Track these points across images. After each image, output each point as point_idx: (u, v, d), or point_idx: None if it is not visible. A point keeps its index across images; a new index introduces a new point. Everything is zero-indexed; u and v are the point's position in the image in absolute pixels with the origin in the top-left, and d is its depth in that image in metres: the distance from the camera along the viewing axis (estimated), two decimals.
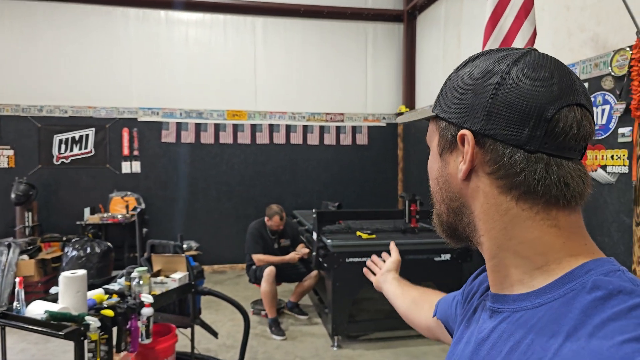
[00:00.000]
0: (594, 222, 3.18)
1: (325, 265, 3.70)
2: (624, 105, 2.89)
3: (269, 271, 4.12)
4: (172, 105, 6.22)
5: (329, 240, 3.73)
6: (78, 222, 5.64)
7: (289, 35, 6.48)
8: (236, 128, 6.35)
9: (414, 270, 3.82)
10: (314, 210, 4.04)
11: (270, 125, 6.44)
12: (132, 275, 2.76)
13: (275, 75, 6.46)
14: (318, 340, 3.89)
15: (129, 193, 6.06)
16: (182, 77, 6.24)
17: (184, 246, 5.85)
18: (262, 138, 6.42)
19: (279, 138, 6.46)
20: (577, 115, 0.52)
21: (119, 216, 5.70)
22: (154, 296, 2.63)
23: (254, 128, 6.39)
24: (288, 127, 6.49)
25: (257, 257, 4.27)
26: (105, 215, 5.74)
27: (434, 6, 5.88)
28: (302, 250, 4.36)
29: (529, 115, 0.51)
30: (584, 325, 0.45)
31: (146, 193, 6.15)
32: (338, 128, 6.62)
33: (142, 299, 2.54)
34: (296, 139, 6.51)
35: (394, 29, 6.71)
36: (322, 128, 6.58)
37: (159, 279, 2.97)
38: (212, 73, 6.29)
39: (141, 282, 2.62)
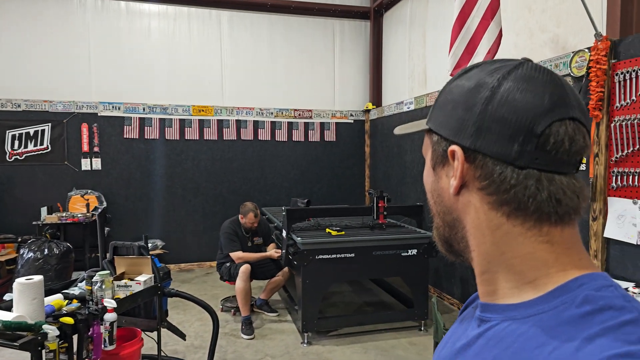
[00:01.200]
0: None
1: (295, 262, 3.68)
2: None
3: (245, 269, 4.08)
4: (134, 100, 6.01)
5: (298, 238, 3.72)
6: (34, 222, 5.38)
7: (255, 30, 6.38)
8: (202, 124, 6.21)
9: (382, 266, 3.88)
10: (283, 208, 4.01)
11: (238, 121, 6.33)
12: (94, 279, 2.65)
13: (242, 70, 6.35)
14: (288, 337, 3.88)
15: (89, 191, 5.83)
16: (145, 71, 6.03)
17: (149, 246, 5.70)
18: (229, 134, 6.31)
19: (247, 134, 6.36)
20: (569, 130, 0.50)
21: (79, 215, 5.47)
22: (118, 300, 2.54)
23: (220, 124, 6.27)
24: (256, 123, 6.40)
25: (236, 255, 4.21)
26: (64, 214, 5.49)
27: (400, 5, 5.93)
28: (275, 251, 4.33)
29: (518, 130, 0.50)
30: (572, 338, 0.45)
31: (108, 191, 5.94)
32: (306, 124, 6.59)
33: (105, 304, 2.44)
34: (264, 135, 6.44)
35: (361, 26, 6.72)
36: (290, 124, 6.53)
37: (123, 282, 2.87)
38: (177, 67, 6.12)
39: (103, 286, 2.52)
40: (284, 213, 3.90)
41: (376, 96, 6.61)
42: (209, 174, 6.26)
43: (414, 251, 3.92)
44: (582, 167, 3.06)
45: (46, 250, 4.65)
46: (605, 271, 2.98)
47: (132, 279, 2.91)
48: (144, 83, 6.03)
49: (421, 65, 5.39)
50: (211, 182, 6.27)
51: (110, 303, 2.44)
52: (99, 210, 4.91)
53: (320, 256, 3.68)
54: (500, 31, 2.36)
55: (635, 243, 2.72)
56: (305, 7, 6.39)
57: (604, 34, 2.86)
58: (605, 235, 2.92)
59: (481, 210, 0.54)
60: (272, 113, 6.46)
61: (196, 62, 6.18)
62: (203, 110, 6.20)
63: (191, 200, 6.22)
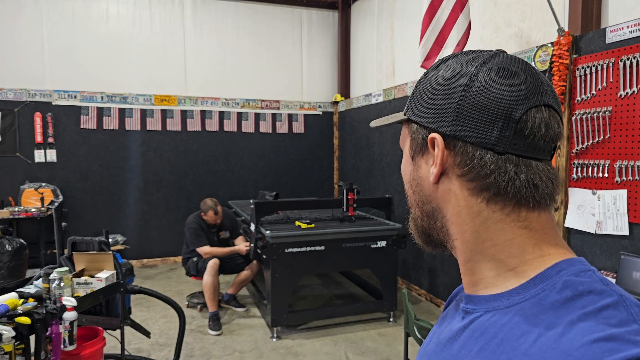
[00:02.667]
0: None
1: (264, 256, 3.63)
2: None
3: (213, 263, 3.99)
4: (92, 89, 5.73)
5: (267, 231, 3.66)
6: None
7: (220, 17, 6.20)
8: (165, 114, 6.00)
9: (351, 258, 3.88)
10: (252, 201, 3.93)
11: (202, 112, 6.16)
12: (52, 276, 2.51)
13: (207, 59, 6.17)
14: (257, 332, 3.83)
15: (43, 184, 5.53)
16: (103, 58, 5.75)
17: (109, 241, 5.48)
18: (194, 125, 6.13)
19: (212, 125, 6.20)
20: (545, 116, 0.52)
21: (33, 210, 5.18)
22: (78, 298, 2.42)
23: (184, 114, 6.08)
24: (221, 114, 6.25)
25: (204, 250, 4.10)
26: (16, 209, 5.19)
27: None
28: (245, 245, 4.25)
29: (497, 116, 0.51)
30: (555, 325, 0.46)
31: (64, 184, 5.65)
32: (274, 116, 6.49)
33: (64, 302, 2.32)
34: (230, 126, 6.29)
35: (329, 17, 6.67)
36: (257, 115, 6.41)
37: (83, 279, 2.74)
38: (138, 55, 5.87)
39: (62, 283, 2.39)
40: (252, 206, 3.83)
41: (344, 88, 6.59)
42: (172, 166, 6.06)
43: (383, 243, 3.95)
44: None
45: None
46: None
47: (92, 276, 2.78)
48: (102, 71, 5.76)
49: (389, 57, 5.41)
50: (175, 174, 6.08)
51: (69, 301, 2.33)
52: (56, 204, 4.67)
53: (290, 249, 3.64)
54: (469, 24, 2.38)
55: (594, 232, 2.84)
56: None
57: (567, 29, 2.94)
58: (566, 225, 3.03)
59: (461, 197, 0.55)
60: (238, 104, 6.32)
61: (158, 50, 5.95)
62: (166, 100, 5.99)
63: (154, 194, 6.01)
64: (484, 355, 0.50)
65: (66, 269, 2.62)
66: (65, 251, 3.06)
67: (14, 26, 5.42)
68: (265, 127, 6.45)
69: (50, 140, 5.63)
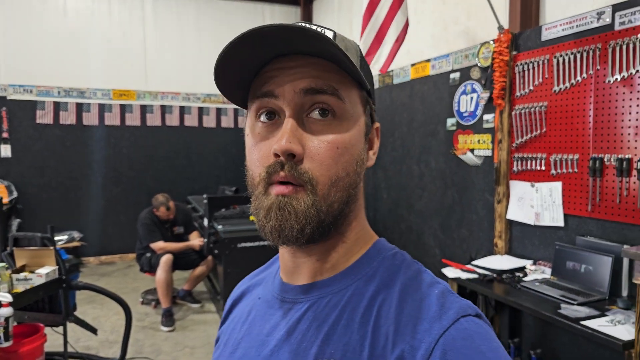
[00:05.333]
0: (464, 201, 3.49)
1: (217, 251, 3.62)
2: (487, 94, 3.17)
3: (166, 259, 3.95)
4: (48, 83, 5.58)
5: (219, 226, 3.65)
6: None
7: (182, 12, 6.12)
8: (124, 109, 5.90)
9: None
10: (204, 196, 3.92)
11: (163, 107, 6.08)
12: None
13: (167, 54, 6.09)
14: (210, 328, 3.82)
15: None
16: (61, 52, 5.61)
17: (64, 238, 5.37)
18: (154, 120, 6.05)
19: (172, 120, 6.13)
20: None
21: None
22: (15, 294, 2.39)
23: (144, 109, 5.99)
24: (182, 109, 6.18)
25: (158, 246, 4.06)
26: None
27: None
28: (199, 240, 4.22)
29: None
30: (388, 286, 0.52)
31: (19, 180, 5.50)
32: (236, 110, 6.46)
33: (0, 298, 2.28)
34: (191, 121, 6.23)
35: (290, 12, 6.66)
36: (219, 110, 6.37)
37: (22, 275, 2.68)
38: (96, 49, 5.75)
39: None
40: (205, 201, 3.82)
41: None
42: (131, 161, 5.97)
43: None
44: (489, 152, 3.25)
45: None
46: (508, 250, 3.17)
47: (33, 272, 2.73)
48: (59, 65, 5.61)
49: None
50: (134, 170, 5.99)
51: (5, 297, 2.29)
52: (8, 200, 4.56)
53: (242, 244, 3.64)
54: (407, 20, 2.43)
55: (533, 224, 2.94)
56: None
57: (506, 27, 3.02)
58: (507, 217, 3.12)
59: (361, 185, 0.57)
60: (199, 98, 6.27)
61: (117, 44, 5.84)
62: (125, 95, 5.89)
63: (112, 190, 5.91)
64: (332, 341, 0.49)
65: (3, 264, 2.57)
66: (8, 248, 2.99)
67: None
68: (227, 121, 6.41)
69: (5, 135, 5.47)
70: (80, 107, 5.70)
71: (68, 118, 5.66)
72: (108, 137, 5.84)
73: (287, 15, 6.65)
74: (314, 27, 0.50)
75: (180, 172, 6.20)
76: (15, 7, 5.41)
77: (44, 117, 5.58)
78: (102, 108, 5.79)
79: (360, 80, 0.53)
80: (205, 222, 3.86)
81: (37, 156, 5.59)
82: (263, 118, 0.52)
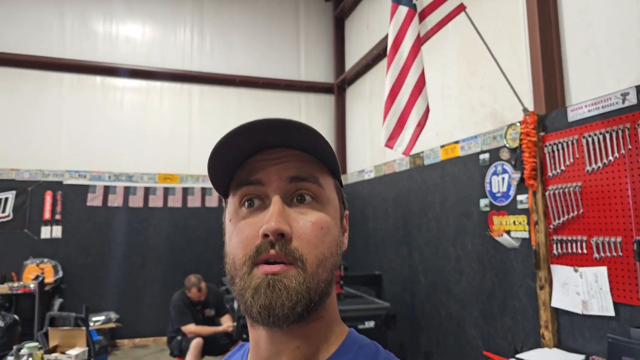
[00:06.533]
0: (505, 286, 3.30)
1: (244, 335, 3.53)
2: (519, 175, 3.12)
3: (196, 343, 3.89)
4: (101, 169, 6.04)
5: None
6: None
7: (225, 102, 6.63)
8: (167, 191, 6.22)
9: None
10: None
11: (203, 189, 6.37)
12: (21, 352, 2.51)
13: (210, 139, 6.50)
14: None
15: (45, 260, 5.65)
16: (115, 140, 6.14)
17: (101, 318, 5.44)
18: (194, 202, 6.31)
19: (211, 201, 6.37)
20: None
21: (32, 285, 5.24)
22: None
23: (185, 191, 6.29)
24: None
25: (189, 329, 4.03)
26: (15, 284, 5.26)
27: (360, 81, 6.31)
28: (228, 325, 4.16)
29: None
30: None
31: (66, 260, 5.76)
32: None
33: None
34: None
35: (325, 99, 7.06)
36: None
37: (54, 355, 2.72)
38: (146, 137, 6.25)
39: (31, 359, 2.39)
40: None
41: (341, 164, 6.77)
42: (170, 242, 6.16)
43: (372, 323, 3.80)
44: (525, 234, 3.11)
45: None
46: (557, 343, 2.91)
47: (64, 353, 2.76)
48: (112, 152, 6.11)
49: (380, 135, 5.60)
50: (173, 250, 6.15)
51: None
52: (40, 279, 4.76)
53: None
54: (427, 106, 2.52)
55: (581, 312, 2.70)
56: (272, 82, 6.73)
57: (532, 109, 3.05)
58: (553, 304, 2.89)
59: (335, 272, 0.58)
60: None
61: (165, 132, 6.33)
62: (169, 178, 6.24)
63: (151, 270, 6.05)
64: None
65: (36, 344, 2.62)
66: (44, 327, 3.07)
67: (40, 114, 5.90)
68: None
69: (58, 217, 5.84)
70: (127, 190, 6.07)
71: (116, 200, 6.02)
72: (150, 219, 6.12)
73: (322, 103, 7.04)
74: (300, 122, 0.55)
75: (216, 252, 6.29)
76: (80, 100, 6.06)
77: (94, 200, 5.96)
78: (147, 191, 6.14)
79: (335, 171, 0.58)
80: (236, 305, 3.81)
81: (84, 237, 5.88)
82: (247, 204, 0.55)
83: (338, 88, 6.86)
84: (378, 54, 5.61)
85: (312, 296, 0.51)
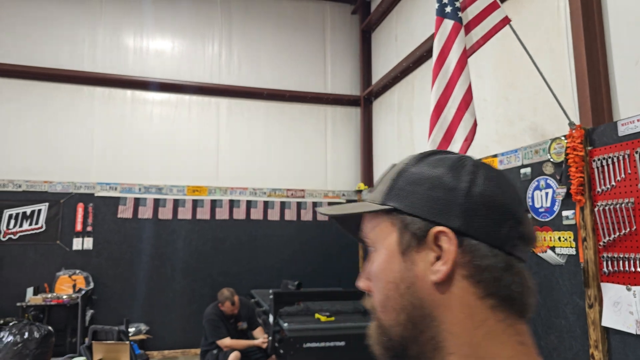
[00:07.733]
0: (549, 303, 3.21)
1: (281, 351, 3.51)
2: (564, 190, 3.06)
3: (234, 357, 3.92)
4: (131, 181, 6.12)
5: (285, 324, 3.57)
6: (18, 304, 5.20)
7: (252, 115, 6.68)
8: (196, 203, 6.27)
9: (375, 357, 3.68)
10: (271, 291, 3.90)
11: (231, 201, 6.39)
12: None
13: (237, 152, 6.55)
14: None
15: (77, 271, 5.72)
16: (144, 153, 6.22)
17: (132, 330, 5.46)
18: (222, 214, 6.34)
19: (239, 214, 6.39)
20: (531, 221, 0.53)
21: (64, 297, 5.31)
22: None
23: (214, 203, 6.33)
24: (249, 203, 6.46)
25: (225, 343, 4.03)
26: (49, 295, 5.34)
27: (388, 93, 6.30)
28: (262, 340, 4.15)
29: (506, 214, 0.49)
30: None
31: (96, 271, 5.82)
32: (299, 204, 6.65)
33: None
34: (256, 214, 6.46)
35: (352, 112, 7.06)
36: (282, 204, 6.59)
37: None
38: (175, 150, 6.32)
39: None
40: (271, 297, 3.80)
41: (367, 177, 6.75)
42: (199, 254, 6.18)
43: None
44: (572, 251, 3.04)
45: (26, 333, 4.42)
46: None
47: None
48: (142, 165, 6.19)
49: (410, 148, 5.57)
50: (202, 262, 6.18)
51: None
52: (83, 292, 4.79)
53: (308, 344, 3.51)
54: (475, 121, 2.49)
55: (635, 333, 2.61)
56: (299, 95, 6.77)
57: (578, 122, 2.99)
58: (603, 324, 2.81)
59: (466, 302, 0.47)
60: (265, 193, 6.55)
61: (193, 144, 6.39)
62: (197, 190, 6.29)
63: (180, 282, 6.07)
64: None
65: (83, 358, 2.63)
66: (87, 339, 3.09)
67: (72, 127, 6.02)
68: (290, 215, 6.58)
69: (89, 228, 5.92)
70: (157, 203, 6.13)
71: (146, 213, 6.08)
72: (179, 231, 6.16)
73: (349, 116, 7.04)
74: (371, 204, 0.56)
75: (245, 264, 6.31)
76: (111, 114, 6.18)
77: (125, 212, 6.03)
78: (177, 203, 6.19)
79: (383, 207, 0.54)
80: (271, 318, 3.80)
81: (115, 249, 5.95)
82: None
83: (364, 100, 6.86)
84: (407, 67, 5.60)
85: (388, 340, 0.53)
